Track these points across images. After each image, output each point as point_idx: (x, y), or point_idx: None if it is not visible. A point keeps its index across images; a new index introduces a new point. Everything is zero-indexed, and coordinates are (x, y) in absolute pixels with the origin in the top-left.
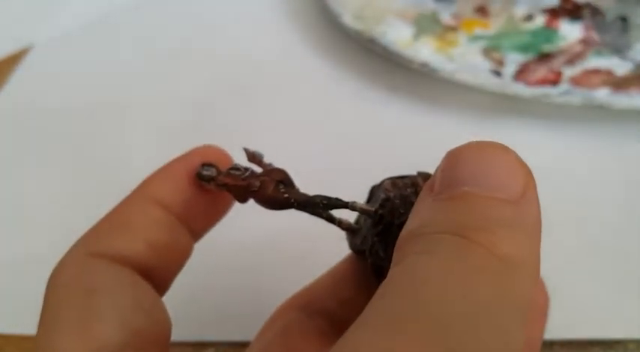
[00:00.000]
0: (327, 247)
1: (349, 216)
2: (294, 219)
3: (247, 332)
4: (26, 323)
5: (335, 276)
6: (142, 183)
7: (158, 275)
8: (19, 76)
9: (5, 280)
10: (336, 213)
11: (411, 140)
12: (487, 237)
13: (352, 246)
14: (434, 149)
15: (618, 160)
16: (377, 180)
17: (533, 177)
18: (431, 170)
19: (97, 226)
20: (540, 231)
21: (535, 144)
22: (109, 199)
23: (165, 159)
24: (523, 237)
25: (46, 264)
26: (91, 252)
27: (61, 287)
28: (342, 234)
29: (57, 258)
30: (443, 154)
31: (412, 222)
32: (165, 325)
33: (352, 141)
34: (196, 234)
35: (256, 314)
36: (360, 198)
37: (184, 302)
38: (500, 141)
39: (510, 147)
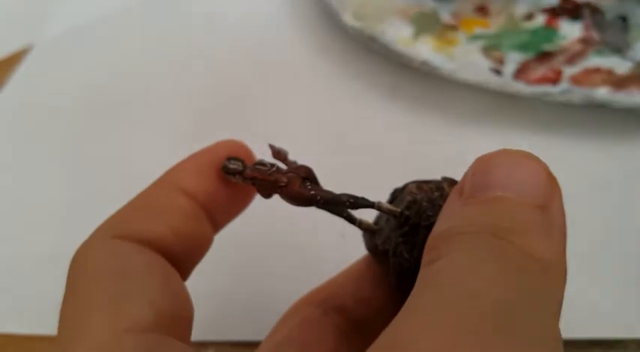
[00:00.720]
0: (329, 248)
1: (367, 216)
2: (297, 218)
3: (247, 332)
4: (27, 323)
5: (352, 275)
6: (168, 171)
7: (180, 264)
8: (19, 76)
9: (6, 280)
10: (355, 212)
11: (410, 139)
12: (522, 238)
13: (370, 246)
14: (434, 148)
15: (618, 160)
16: (377, 179)
17: (559, 186)
18: (431, 168)
19: (122, 210)
20: (566, 237)
21: (535, 144)
22: (109, 199)
23: (166, 160)
24: (553, 242)
25: (46, 264)
26: (117, 234)
27: (89, 269)
28: (344, 233)
29: (58, 258)
30: (442, 153)
31: (443, 224)
32: (190, 308)
33: (352, 141)
34: (217, 225)
35: (257, 314)
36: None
37: None
38: (500, 141)
39: (509, 146)
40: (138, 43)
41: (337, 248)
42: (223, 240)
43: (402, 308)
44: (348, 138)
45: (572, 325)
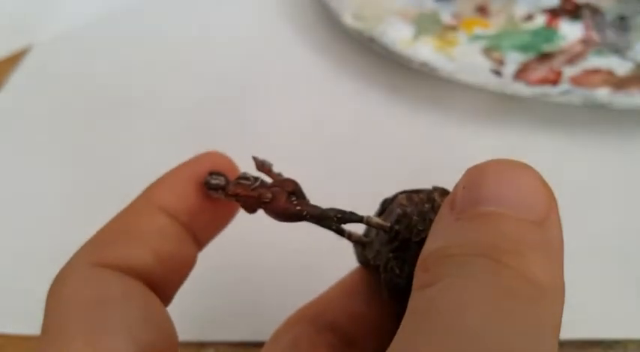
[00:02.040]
0: (326, 247)
1: (356, 227)
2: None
3: (247, 332)
4: (26, 323)
5: (344, 290)
6: (147, 189)
7: (163, 287)
8: (19, 76)
9: (6, 280)
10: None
11: (410, 140)
12: (519, 260)
13: (361, 258)
14: (434, 149)
15: (618, 160)
16: (377, 181)
17: (555, 199)
18: (431, 169)
19: (100, 234)
20: (563, 253)
21: (535, 144)
22: (109, 199)
23: (165, 160)
24: (550, 260)
25: (47, 264)
26: (95, 261)
27: (66, 298)
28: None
29: (58, 258)
30: (442, 154)
31: (436, 241)
32: (173, 338)
33: (352, 141)
34: (200, 243)
35: (256, 315)
36: (360, 198)
37: (184, 302)
38: (500, 141)
39: (509, 146)
40: (138, 43)
41: (337, 249)
42: (223, 240)
43: (396, 339)
44: (347, 138)
45: (572, 325)
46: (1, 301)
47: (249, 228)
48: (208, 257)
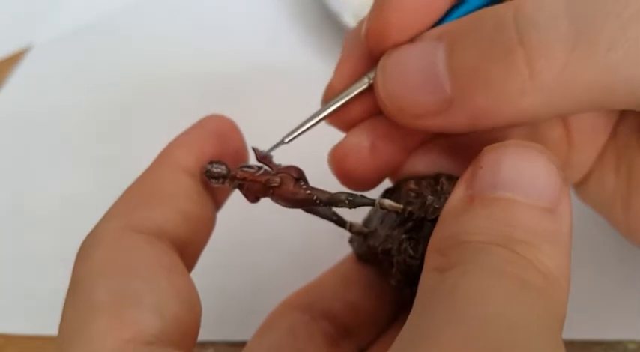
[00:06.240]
0: (326, 246)
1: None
2: (294, 218)
3: (247, 332)
4: (26, 323)
5: (339, 278)
6: (165, 151)
7: (189, 249)
8: (19, 76)
9: (6, 280)
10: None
11: None
12: (532, 251)
13: (361, 250)
14: None
15: None
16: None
17: (567, 185)
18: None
19: (127, 197)
20: (571, 239)
21: None
22: (109, 199)
23: None
24: (560, 251)
25: (47, 264)
26: (125, 224)
27: (96, 264)
28: (341, 232)
29: (58, 259)
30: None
31: (451, 224)
32: (198, 312)
33: None
34: (218, 202)
35: (256, 314)
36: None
37: None
38: None
39: None
40: (138, 43)
41: (337, 248)
42: (223, 240)
43: (414, 319)
44: None
45: (572, 325)
46: (1, 301)
47: (249, 228)
48: (208, 257)
